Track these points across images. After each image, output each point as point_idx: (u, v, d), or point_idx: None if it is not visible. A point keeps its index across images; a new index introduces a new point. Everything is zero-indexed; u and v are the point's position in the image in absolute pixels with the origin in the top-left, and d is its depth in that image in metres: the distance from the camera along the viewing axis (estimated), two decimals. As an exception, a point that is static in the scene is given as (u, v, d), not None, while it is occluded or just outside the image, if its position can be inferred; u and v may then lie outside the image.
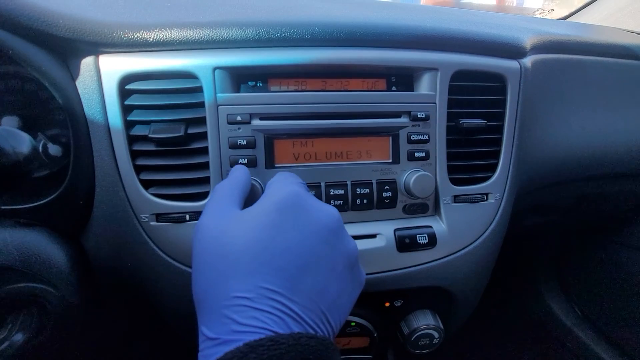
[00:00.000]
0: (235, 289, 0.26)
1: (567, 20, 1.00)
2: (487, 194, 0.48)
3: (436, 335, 0.48)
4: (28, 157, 0.25)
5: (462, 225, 0.47)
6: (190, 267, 0.41)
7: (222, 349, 0.23)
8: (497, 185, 0.49)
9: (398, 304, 0.48)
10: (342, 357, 0.50)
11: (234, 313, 0.25)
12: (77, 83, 0.39)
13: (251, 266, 0.27)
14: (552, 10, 1.08)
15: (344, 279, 0.30)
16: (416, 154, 0.45)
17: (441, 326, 0.48)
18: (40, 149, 0.41)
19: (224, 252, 0.28)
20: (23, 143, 0.25)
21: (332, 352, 0.25)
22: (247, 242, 0.28)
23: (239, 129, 0.41)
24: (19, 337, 0.33)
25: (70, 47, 0.38)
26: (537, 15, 1.10)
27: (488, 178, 0.48)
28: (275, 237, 0.28)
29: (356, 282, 0.33)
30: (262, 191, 0.40)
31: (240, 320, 0.24)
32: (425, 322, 0.48)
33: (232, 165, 0.41)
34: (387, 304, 0.48)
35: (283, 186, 0.32)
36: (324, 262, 0.29)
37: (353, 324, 0.47)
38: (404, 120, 0.45)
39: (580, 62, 0.59)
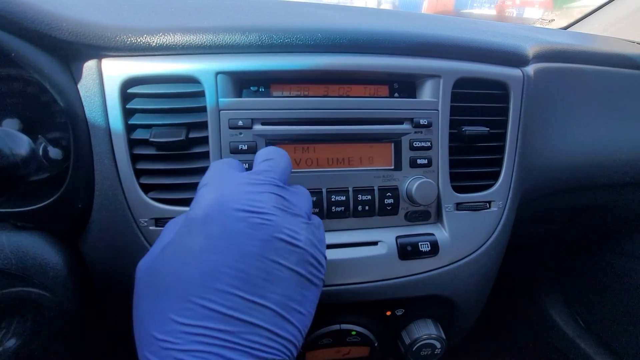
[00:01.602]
0: (171, 310, 0.25)
1: (568, 30, 1.00)
2: (489, 202, 0.48)
3: (438, 345, 0.47)
4: (26, 159, 0.25)
5: (465, 233, 0.46)
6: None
7: None
8: (499, 193, 0.48)
9: (399, 312, 0.48)
10: (342, 367, 0.49)
11: (178, 338, 0.24)
12: (79, 86, 0.39)
13: (182, 285, 0.26)
14: (552, 20, 1.08)
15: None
16: (418, 161, 0.45)
17: (443, 336, 0.47)
18: (41, 152, 0.41)
19: (147, 273, 0.28)
20: (21, 145, 0.24)
21: None
22: (162, 262, 0.27)
23: (240, 133, 0.41)
24: (11, 343, 0.32)
25: (72, 50, 0.38)
26: (538, 25, 1.11)
27: (491, 186, 0.48)
28: (198, 252, 0.27)
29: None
30: None
31: (188, 348, 0.23)
32: (427, 331, 0.47)
33: None
34: (388, 313, 0.47)
35: (202, 198, 0.30)
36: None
37: (354, 333, 0.46)
38: (406, 126, 0.45)
39: (582, 72, 0.59)
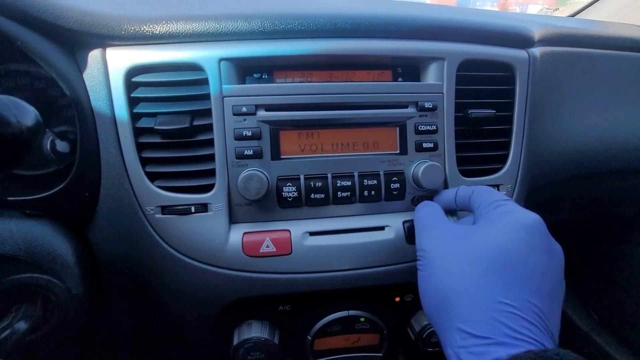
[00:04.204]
0: (501, 295, 0.28)
1: (574, 17, 0.99)
2: (497, 186, 0.47)
3: (448, 332, 0.46)
4: (32, 128, 0.25)
5: (473, 218, 0.45)
6: (195, 259, 0.41)
7: (501, 350, 0.25)
8: (508, 177, 0.47)
9: (409, 298, 0.47)
10: (352, 355, 0.49)
11: (504, 318, 0.27)
12: (84, 75, 0.40)
13: (515, 279, 0.29)
14: (557, 9, 1.07)
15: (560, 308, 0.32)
16: (424, 145, 0.44)
17: (453, 323, 0.46)
18: (49, 146, 0.41)
19: (476, 258, 0.30)
20: (28, 115, 0.25)
21: None
22: (505, 255, 0.30)
23: (244, 120, 0.41)
24: (21, 326, 0.32)
25: (77, 39, 0.39)
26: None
27: (499, 169, 0.47)
28: (532, 256, 0.30)
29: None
30: (269, 183, 0.40)
31: (512, 325, 0.26)
32: (436, 318, 0.46)
33: (237, 157, 0.41)
34: (397, 299, 0.47)
35: (525, 210, 0.33)
36: (559, 290, 0.31)
37: (362, 319, 0.46)
38: (410, 110, 0.44)
39: (589, 56, 0.58)
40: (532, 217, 0.32)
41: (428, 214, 0.39)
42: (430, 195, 0.45)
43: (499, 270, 0.29)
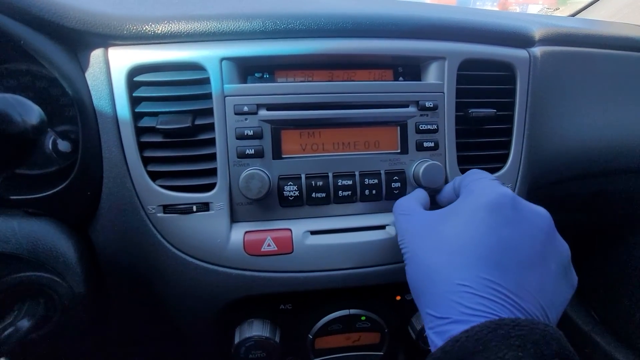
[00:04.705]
0: (457, 277, 0.29)
1: (574, 17, 0.99)
2: (498, 185, 0.47)
3: (449, 331, 0.46)
4: (37, 127, 0.25)
5: (474, 217, 0.45)
6: (196, 258, 0.41)
7: (457, 327, 0.27)
8: (508, 176, 0.48)
9: (409, 297, 0.47)
10: (353, 354, 0.49)
11: (460, 299, 0.28)
12: (86, 75, 0.40)
13: (470, 259, 0.29)
14: (557, 9, 1.08)
15: (558, 278, 0.31)
16: (425, 144, 0.45)
17: (454, 322, 0.46)
18: (50, 145, 0.41)
19: (440, 244, 0.31)
20: (32, 113, 0.25)
21: (569, 345, 0.25)
22: (463, 237, 0.31)
23: (246, 119, 0.41)
24: (24, 324, 0.32)
25: (79, 39, 0.39)
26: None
27: (499, 169, 0.48)
28: (489, 234, 0.30)
29: (569, 283, 0.33)
30: (270, 182, 0.40)
31: (467, 304, 0.28)
32: (437, 317, 0.46)
33: (239, 156, 0.41)
34: (398, 298, 0.47)
35: (493, 187, 0.34)
36: (539, 261, 0.30)
37: (363, 318, 0.46)
38: (411, 110, 0.44)
39: (589, 55, 0.59)
40: (495, 192, 0.32)
41: (400, 209, 0.39)
42: (432, 194, 0.45)
43: (455, 254, 0.30)
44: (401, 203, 0.40)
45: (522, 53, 0.48)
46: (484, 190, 0.34)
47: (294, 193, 0.42)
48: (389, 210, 0.45)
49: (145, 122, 0.41)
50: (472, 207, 0.33)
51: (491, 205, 0.32)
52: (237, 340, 0.44)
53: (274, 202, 0.42)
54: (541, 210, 0.33)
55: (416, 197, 0.41)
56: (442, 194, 0.43)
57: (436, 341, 0.28)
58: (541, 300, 0.29)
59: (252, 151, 0.41)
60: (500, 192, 0.33)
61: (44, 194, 0.38)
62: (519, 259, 0.29)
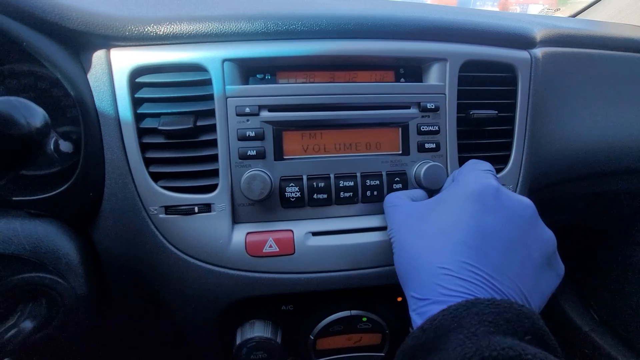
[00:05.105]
0: (438, 261, 0.30)
1: (575, 18, 0.99)
2: (499, 186, 0.47)
3: (450, 332, 0.46)
4: (41, 130, 0.25)
5: (475, 218, 0.46)
6: (198, 259, 0.41)
7: (436, 307, 0.28)
8: (510, 177, 0.48)
9: (410, 298, 0.47)
10: (354, 354, 0.49)
11: (440, 281, 0.29)
12: (88, 76, 0.40)
13: (451, 244, 0.31)
14: (558, 10, 1.08)
15: (541, 266, 0.32)
16: (426, 145, 0.45)
17: (455, 323, 0.47)
18: (52, 146, 0.41)
19: (424, 232, 0.33)
20: (37, 116, 0.25)
21: (543, 325, 0.26)
22: (445, 223, 0.32)
23: (247, 120, 0.41)
24: (27, 325, 0.32)
25: (82, 40, 0.39)
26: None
27: (500, 170, 0.48)
28: (470, 221, 0.31)
29: (554, 272, 0.34)
30: (272, 183, 0.40)
31: (446, 285, 0.29)
32: (438, 318, 0.46)
33: (241, 158, 0.41)
34: (400, 299, 0.47)
35: (478, 177, 0.35)
36: (520, 247, 0.31)
37: (364, 319, 0.46)
38: (413, 111, 0.45)
39: (590, 56, 0.59)
40: (477, 183, 0.34)
41: (389, 202, 0.41)
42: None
43: (437, 239, 0.32)
44: (390, 196, 0.42)
45: (523, 54, 0.48)
46: (469, 180, 0.35)
47: (296, 194, 0.42)
48: (390, 211, 0.45)
49: (147, 123, 0.41)
50: (456, 196, 0.34)
51: (474, 194, 0.33)
52: (238, 341, 0.44)
53: (275, 203, 0.42)
54: (524, 199, 0.34)
55: (407, 192, 0.43)
56: (443, 187, 0.44)
57: (417, 321, 0.30)
58: (521, 285, 0.30)
59: (253, 152, 0.41)
60: (485, 182, 0.34)
61: (47, 194, 0.38)
62: (498, 244, 0.30)
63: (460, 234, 0.31)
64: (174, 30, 0.40)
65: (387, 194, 0.44)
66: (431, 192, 0.44)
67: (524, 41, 0.49)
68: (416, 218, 0.35)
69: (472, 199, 0.33)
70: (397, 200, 0.40)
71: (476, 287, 0.28)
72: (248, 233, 0.41)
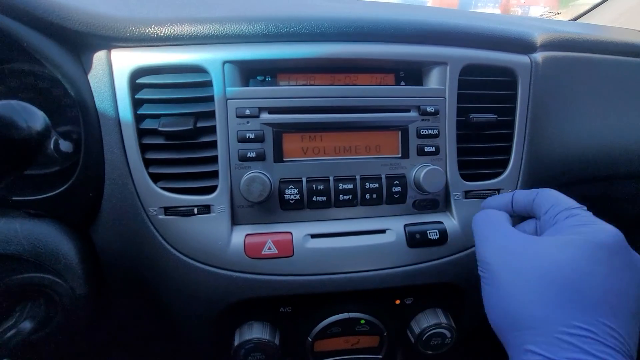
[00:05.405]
0: (577, 318, 0.27)
1: (576, 21, 0.99)
2: (498, 190, 0.47)
3: (448, 334, 0.47)
4: (41, 133, 0.26)
5: (474, 221, 0.46)
6: (197, 261, 0.41)
7: None
8: (508, 182, 0.48)
9: (408, 301, 0.47)
10: (352, 356, 0.49)
11: (581, 342, 0.26)
12: (89, 77, 0.40)
13: (592, 302, 0.27)
14: (559, 13, 1.08)
15: None
16: (426, 149, 0.45)
17: (453, 325, 0.47)
18: (52, 146, 0.41)
19: (551, 279, 0.28)
20: (37, 119, 0.25)
21: None
22: (581, 276, 0.28)
23: (247, 122, 0.41)
24: (26, 326, 0.32)
25: (83, 41, 0.39)
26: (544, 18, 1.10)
27: (500, 174, 0.48)
28: (607, 276, 0.28)
29: None
30: (272, 185, 0.40)
31: (589, 350, 0.26)
32: (436, 320, 0.46)
33: (240, 159, 0.41)
34: (398, 302, 0.47)
35: (605, 225, 0.31)
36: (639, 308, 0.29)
37: (363, 321, 0.46)
38: (413, 114, 0.45)
39: (591, 61, 0.59)
40: (611, 234, 0.30)
41: (489, 221, 0.36)
42: (432, 199, 0.45)
43: (574, 293, 0.28)
44: (487, 217, 0.37)
45: (523, 59, 0.48)
46: (597, 225, 0.31)
47: (295, 196, 0.42)
48: (389, 214, 0.45)
49: (147, 124, 0.41)
50: (590, 243, 0.29)
51: (612, 246, 0.29)
52: (236, 342, 0.44)
53: (274, 205, 0.42)
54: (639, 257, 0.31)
55: (502, 214, 0.37)
56: (492, 203, 0.41)
57: None
58: (636, 348, 0.28)
59: (253, 154, 0.41)
60: (616, 232, 0.30)
61: (46, 194, 0.38)
62: (631, 304, 0.28)
63: (602, 293, 0.27)
64: (175, 32, 0.40)
65: (386, 197, 0.44)
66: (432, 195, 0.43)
67: (524, 45, 0.49)
68: (532, 253, 0.30)
69: (611, 253, 0.29)
70: (496, 228, 0.35)
71: (620, 356, 0.26)
72: (247, 235, 0.41)
